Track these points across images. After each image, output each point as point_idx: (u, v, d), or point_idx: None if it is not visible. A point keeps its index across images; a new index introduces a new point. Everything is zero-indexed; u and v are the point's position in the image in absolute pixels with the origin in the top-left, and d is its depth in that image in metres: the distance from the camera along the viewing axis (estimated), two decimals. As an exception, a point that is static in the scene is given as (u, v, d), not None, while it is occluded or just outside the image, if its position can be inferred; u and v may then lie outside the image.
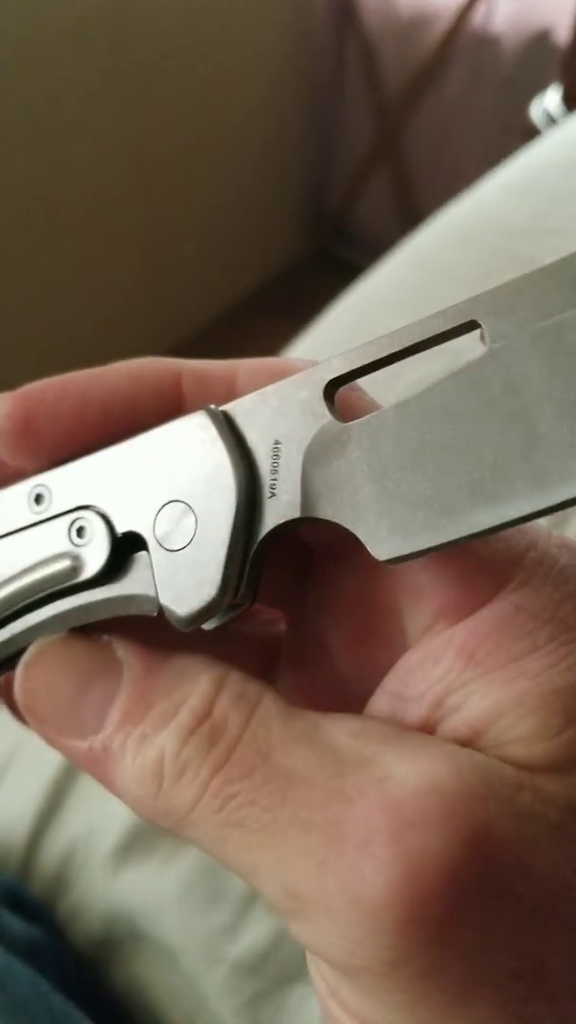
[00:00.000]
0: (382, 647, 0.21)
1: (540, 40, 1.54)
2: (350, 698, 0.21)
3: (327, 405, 0.18)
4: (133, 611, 0.20)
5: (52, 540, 0.21)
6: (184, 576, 0.19)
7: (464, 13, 1.58)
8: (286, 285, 1.93)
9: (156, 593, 0.19)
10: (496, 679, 0.17)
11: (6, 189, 1.29)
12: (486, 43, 1.59)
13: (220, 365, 0.22)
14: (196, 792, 0.18)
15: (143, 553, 0.20)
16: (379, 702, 0.20)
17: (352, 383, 0.19)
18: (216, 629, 0.20)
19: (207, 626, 0.20)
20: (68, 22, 1.25)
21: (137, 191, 1.52)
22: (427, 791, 0.16)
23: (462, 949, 0.16)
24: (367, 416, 0.18)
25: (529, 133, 1.24)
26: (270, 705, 0.18)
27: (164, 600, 0.19)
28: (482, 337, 0.17)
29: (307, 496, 0.18)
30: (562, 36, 1.49)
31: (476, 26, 1.59)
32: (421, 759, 0.17)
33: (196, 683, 0.19)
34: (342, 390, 0.19)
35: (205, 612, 0.19)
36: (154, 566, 0.20)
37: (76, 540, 0.21)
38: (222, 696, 0.18)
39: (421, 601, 0.19)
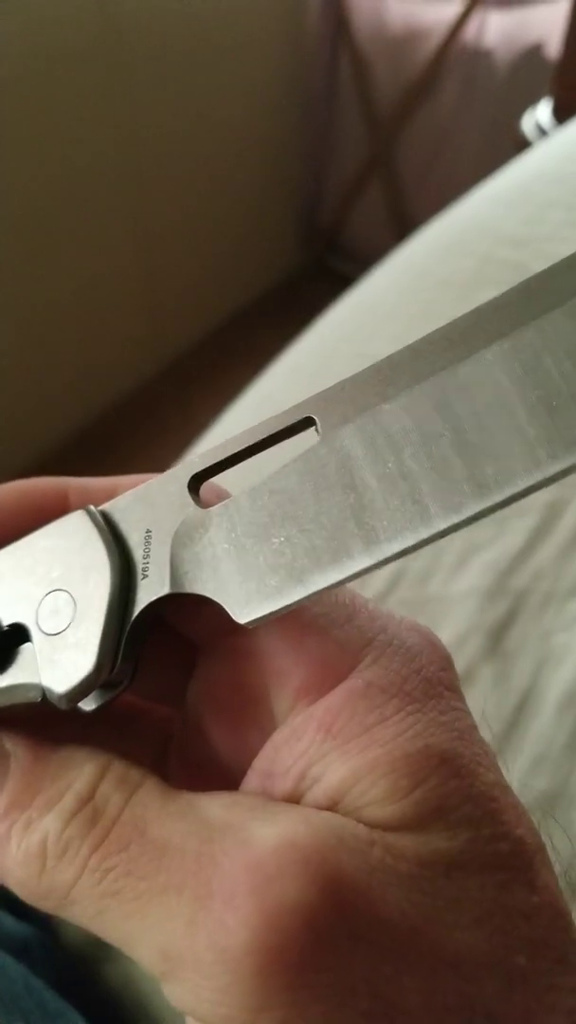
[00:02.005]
0: (254, 731, 0.22)
1: (531, 54, 1.56)
2: (230, 782, 0.22)
3: (192, 496, 0.21)
4: (18, 699, 0.21)
5: None
6: (64, 656, 0.21)
7: (456, 28, 1.60)
8: (282, 297, 1.95)
9: (39, 679, 0.21)
10: (351, 749, 0.19)
11: (3, 205, 1.30)
12: (478, 57, 1.61)
13: (102, 480, 0.24)
14: (77, 869, 0.19)
15: (28, 645, 0.21)
16: (250, 781, 0.21)
17: (212, 483, 0.22)
18: (98, 712, 0.21)
19: (87, 706, 0.21)
20: (63, 35, 1.27)
21: (134, 205, 1.54)
22: (285, 848, 0.18)
23: (319, 992, 0.17)
24: (225, 501, 0.20)
25: (521, 146, 1.25)
26: (150, 787, 0.20)
27: (45, 681, 0.21)
28: (317, 429, 0.20)
29: (175, 574, 0.20)
30: (553, 50, 1.50)
31: (468, 41, 1.61)
32: (281, 822, 0.18)
33: (81, 770, 0.20)
34: (204, 490, 0.22)
35: (83, 687, 0.20)
36: (37, 651, 0.21)
37: None
38: (105, 781, 0.20)
39: (284, 684, 0.21)
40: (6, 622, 0.22)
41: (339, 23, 1.73)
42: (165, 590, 0.20)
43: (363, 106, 1.79)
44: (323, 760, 0.19)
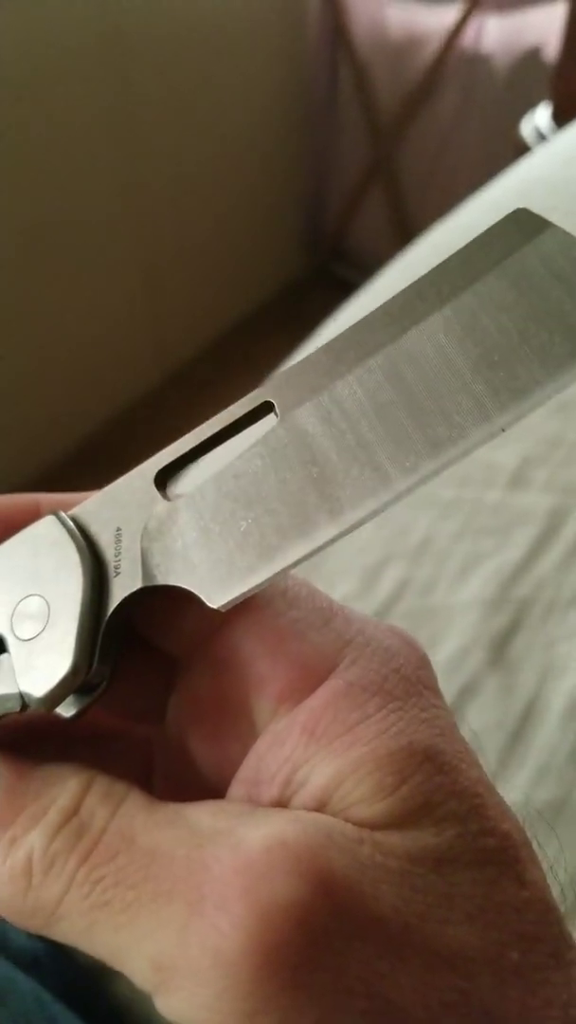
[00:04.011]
0: (237, 742, 0.22)
1: (530, 58, 1.56)
2: (214, 797, 0.22)
3: (158, 491, 0.21)
4: None
5: None
6: (40, 659, 0.20)
7: (454, 34, 1.60)
8: (285, 304, 1.95)
9: (17, 688, 0.21)
10: (335, 749, 0.19)
11: (6, 215, 1.30)
12: (477, 63, 1.61)
13: (75, 495, 0.24)
14: (64, 883, 0.19)
15: (6, 655, 0.21)
16: (236, 791, 0.21)
17: None
18: (78, 718, 0.21)
19: (66, 712, 0.21)
20: (64, 49, 1.28)
21: (137, 215, 1.54)
22: (275, 848, 0.17)
23: (315, 991, 0.17)
24: (191, 492, 0.21)
25: (520, 150, 1.25)
26: (135, 799, 0.20)
27: (23, 687, 0.20)
28: (276, 412, 0.20)
29: (147, 568, 0.21)
30: (551, 54, 1.50)
31: (466, 46, 1.62)
32: (269, 824, 0.18)
33: (65, 785, 0.20)
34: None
35: (61, 689, 0.20)
36: (13, 659, 0.21)
37: None
38: (89, 795, 0.20)
39: (264, 690, 0.21)
40: None
41: (338, 30, 1.74)
42: (138, 584, 0.20)
43: (364, 113, 1.79)
44: (308, 763, 0.19)
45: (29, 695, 0.20)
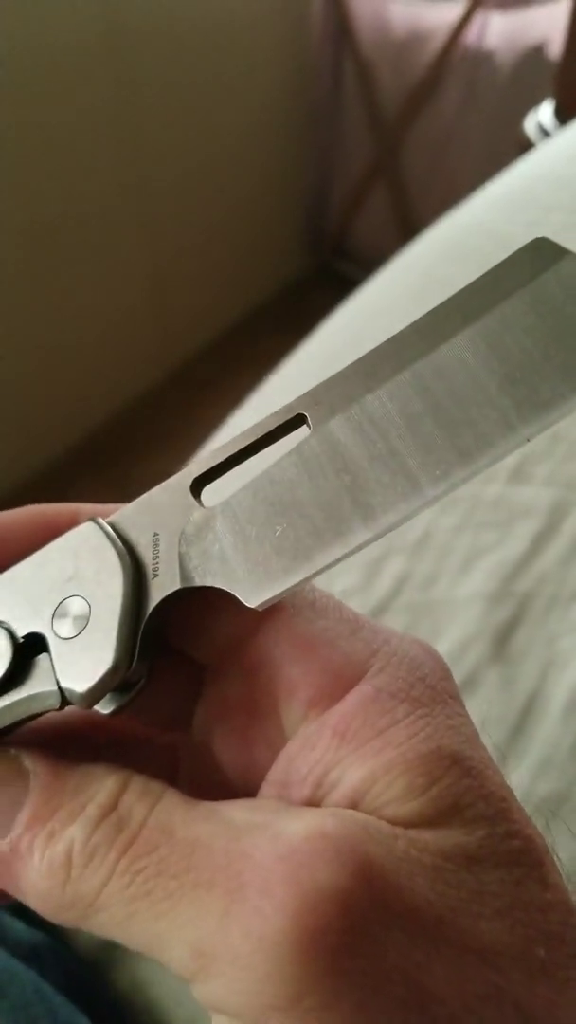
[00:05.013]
0: (264, 747, 0.23)
1: (533, 55, 1.56)
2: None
3: (195, 498, 0.22)
4: (36, 709, 0.22)
5: None
6: (82, 657, 0.21)
7: (458, 31, 1.60)
8: (288, 301, 1.95)
9: (57, 686, 0.21)
10: (366, 752, 0.20)
11: (6, 215, 1.31)
12: (480, 59, 1.61)
13: (112, 505, 0.24)
14: (104, 874, 0.19)
15: (44, 655, 0.22)
16: (266, 791, 0.22)
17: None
18: (115, 715, 0.22)
19: (104, 709, 0.22)
20: (67, 47, 1.28)
21: (139, 213, 1.54)
22: (316, 837, 0.18)
23: (356, 978, 0.17)
24: (227, 498, 0.22)
25: (524, 147, 1.25)
26: (172, 796, 0.20)
27: (64, 683, 0.21)
28: (308, 424, 0.21)
29: (184, 570, 0.22)
30: (554, 51, 1.50)
31: (470, 43, 1.62)
32: (307, 817, 0.19)
33: (102, 783, 0.21)
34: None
35: (102, 685, 0.21)
36: (53, 656, 0.22)
37: None
38: (127, 792, 0.20)
39: (294, 696, 0.21)
40: (22, 633, 0.22)
41: (341, 28, 1.74)
42: (176, 585, 0.21)
43: (367, 110, 1.79)
44: (339, 765, 0.20)
45: (71, 691, 0.21)
